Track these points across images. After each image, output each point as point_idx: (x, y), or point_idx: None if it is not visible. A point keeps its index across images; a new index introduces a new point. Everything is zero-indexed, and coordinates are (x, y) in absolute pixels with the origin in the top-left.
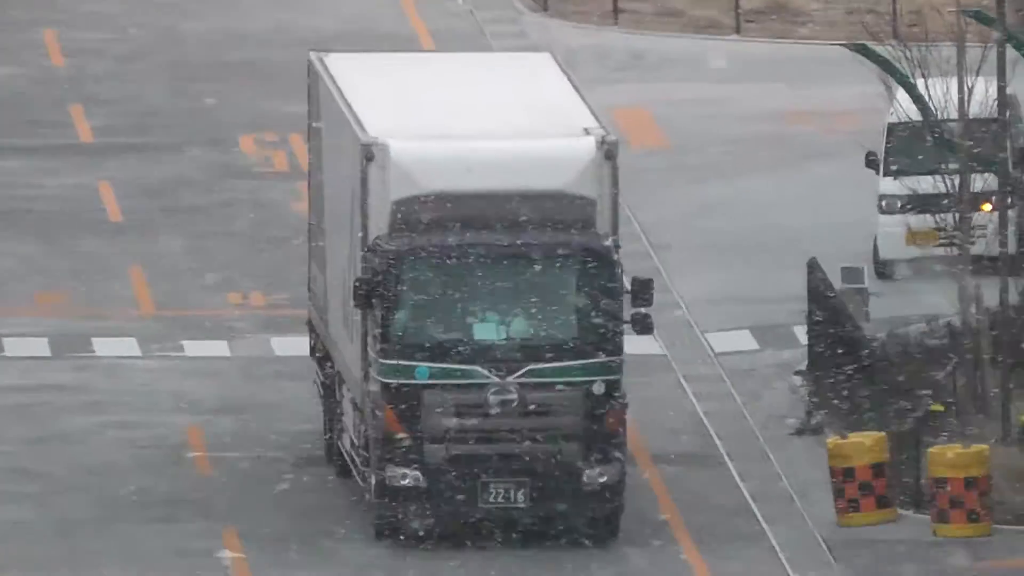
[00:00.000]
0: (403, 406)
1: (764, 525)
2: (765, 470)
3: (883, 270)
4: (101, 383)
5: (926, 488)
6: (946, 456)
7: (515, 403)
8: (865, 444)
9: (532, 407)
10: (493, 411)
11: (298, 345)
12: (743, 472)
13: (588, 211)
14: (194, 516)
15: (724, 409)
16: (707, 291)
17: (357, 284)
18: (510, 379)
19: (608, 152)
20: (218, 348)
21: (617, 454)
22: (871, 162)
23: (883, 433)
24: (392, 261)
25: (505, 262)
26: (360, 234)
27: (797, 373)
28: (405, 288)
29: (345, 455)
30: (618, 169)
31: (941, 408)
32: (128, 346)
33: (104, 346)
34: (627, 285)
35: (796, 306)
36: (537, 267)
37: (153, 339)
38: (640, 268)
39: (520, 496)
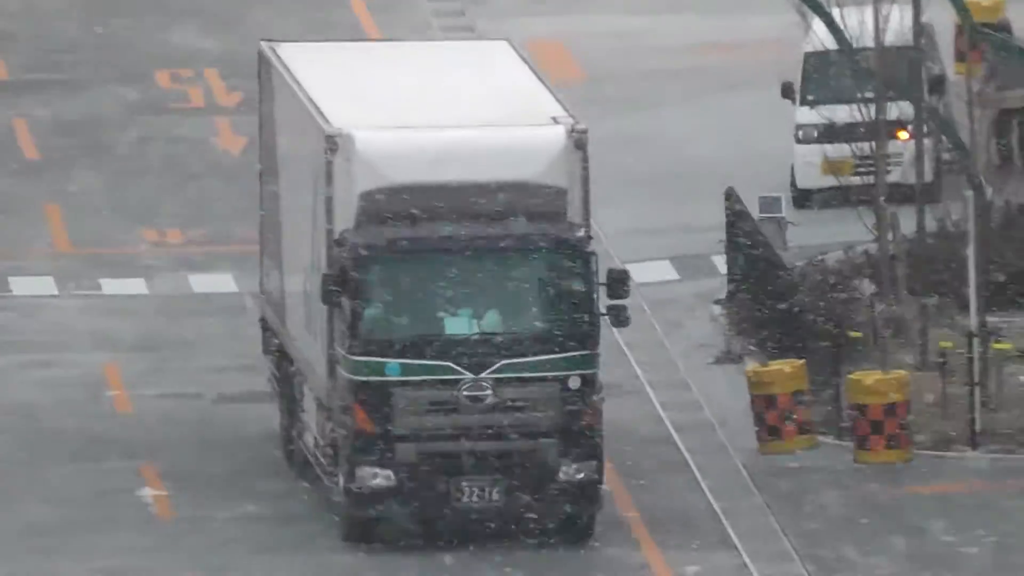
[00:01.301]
0: (373, 403)
1: (686, 454)
2: (686, 399)
3: (800, 199)
4: (18, 322)
5: (846, 415)
6: (865, 383)
7: (488, 399)
8: (785, 372)
9: (506, 403)
10: (466, 408)
11: (216, 282)
12: (664, 402)
13: (559, 201)
14: (114, 455)
15: (645, 339)
16: (626, 223)
17: (324, 279)
18: (483, 375)
19: (578, 141)
20: (135, 286)
21: (594, 450)
22: (787, 92)
23: (802, 361)
24: (360, 255)
25: (476, 255)
26: (326, 228)
27: (717, 302)
28: (374, 283)
29: (308, 455)
30: (588, 158)
31: (860, 335)
32: (45, 285)
33: (21, 285)
34: (602, 276)
35: (715, 236)
36: (509, 260)
37: (70, 277)
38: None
39: (495, 494)
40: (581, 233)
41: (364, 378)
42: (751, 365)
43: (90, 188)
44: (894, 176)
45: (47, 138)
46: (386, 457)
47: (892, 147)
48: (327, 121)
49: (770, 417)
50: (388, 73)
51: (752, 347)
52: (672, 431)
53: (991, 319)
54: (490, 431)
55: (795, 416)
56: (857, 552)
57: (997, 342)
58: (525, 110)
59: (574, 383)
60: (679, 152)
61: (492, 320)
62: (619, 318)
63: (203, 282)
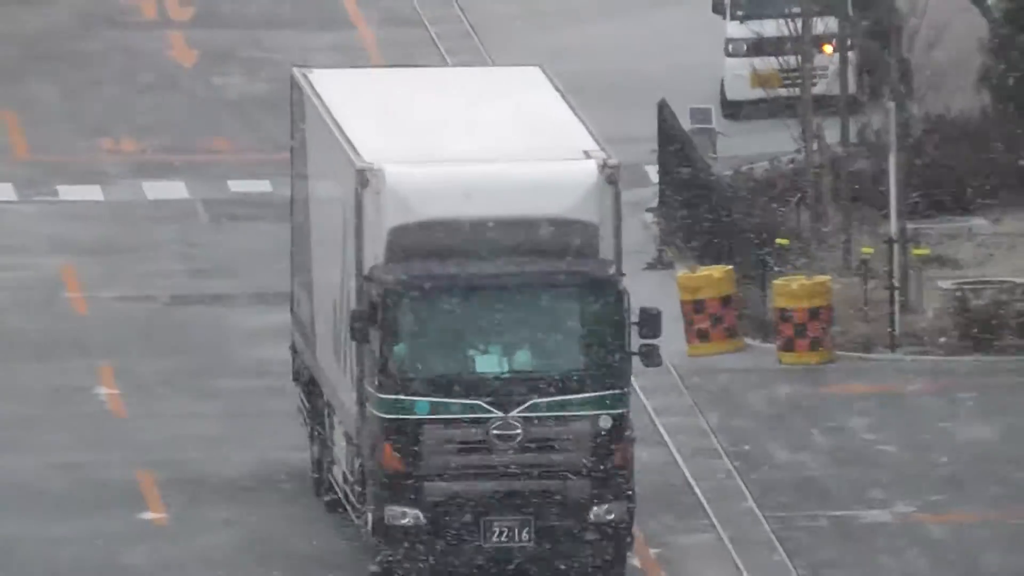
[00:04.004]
0: (402, 442)
1: None
2: None
3: (729, 111)
4: None
5: (771, 318)
6: (790, 287)
7: (518, 438)
8: (714, 277)
9: (536, 442)
10: (495, 447)
11: (169, 189)
12: None
13: (591, 238)
14: (70, 354)
15: None
16: None
17: (353, 316)
18: (513, 413)
19: (610, 176)
20: (91, 192)
21: (625, 491)
22: (718, 7)
23: (731, 266)
24: (389, 292)
25: (507, 292)
26: (355, 262)
27: (649, 210)
28: (403, 319)
29: (337, 488)
30: (620, 193)
31: (786, 242)
32: (4, 191)
33: None
34: (634, 315)
35: (647, 146)
36: (540, 297)
37: (28, 184)
38: None
39: (524, 535)
40: (613, 271)
41: (393, 416)
42: (681, 271)
43: (47, 98)
44: (819, 88)
45: (4, 48)
46: (415, 496)
47: (818, 60)
48: (358, 154)
49: (699, 321)
50: (419, 102)
51: (682, 253)
52: None
53: (911, 226)
54: (520, 470)
55: (723, 319)
56: (782, 449)
57: (916, 248)
58: (556, 143)
59: (605, 423)
60: (613, 64)
61: (522, 358)
62: (651, 358)
63: (156, 189)
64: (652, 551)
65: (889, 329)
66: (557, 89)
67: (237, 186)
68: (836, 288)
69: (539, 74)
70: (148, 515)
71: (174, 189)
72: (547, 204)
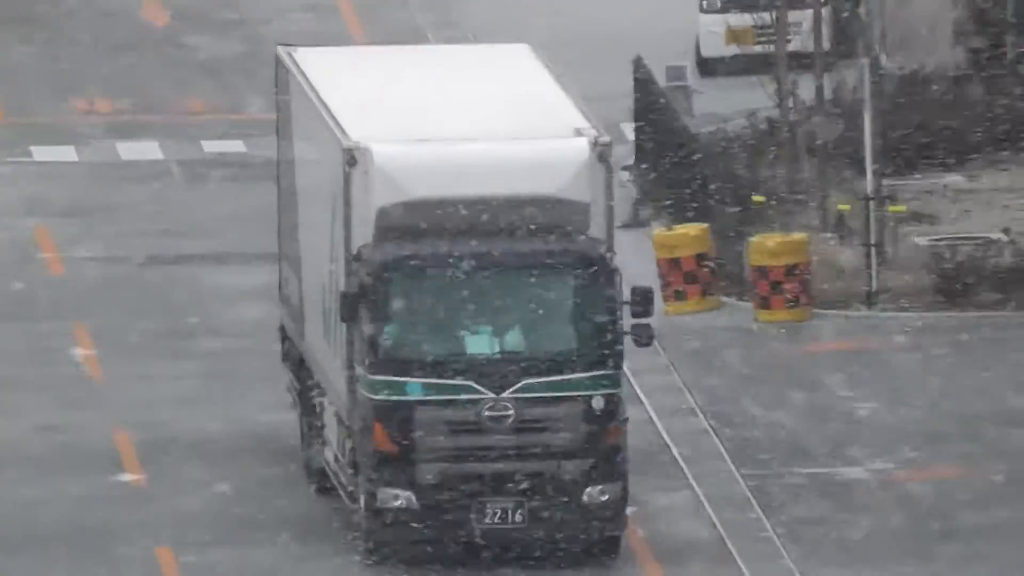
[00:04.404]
0: (393, 424)
1: None
2: None
3: (704, 68)
4: None
5: (748, 276)
6: (766, 245)
7: (511, 419)
8: (690, 235)
9: (528, 423)
10: (487, 428)
11: (143, 150)
12: None
13: (582, 216)
14: (46, 315)
15: None
16: None
17: (343, 297)
18: (505, 394)
19: (601, 154)
20: (66, 153)
21: (619, 471)
22: None
23: (707, 224)
24: (378, 272)
25: (498, 272)
26: (343, 243)
27: (625, 168)
28: (393, 300)
29: (328, 470)
30: (612, 172)
31: (762, 199)
32: None
33: None
34: (626, 294)
35: (623, 103)
36: (531, 277)
37: (2, 145)
38: None
39: (518, 516)
40: (604, 249)
41: (384, 397)
42: (658, 229)
43: (21, 59)
44: (794, 45)
45: None
46: (407, 478)
47: (793, 17)
48: (345, 134)
49: (675, 279)
50: (406, 80)
51: (658, 211)
52: None
53: (887, 182)
54: (512, 452)
55: (699, 278)
56: (758, 407)
57: (893, 205)
58: (547, 121)
59: (597, 403)
60: (589, 21)
61: (514, 339)
62: (643, 337)
63: (130, 150)
64: (629, 509)
65: (866, 286)
66: (546, 67)
67: (211, 147)
68: (813, 245)
69: (528, 51)
70: (126, 476)
71: (148, 150)
72: (538, 183)
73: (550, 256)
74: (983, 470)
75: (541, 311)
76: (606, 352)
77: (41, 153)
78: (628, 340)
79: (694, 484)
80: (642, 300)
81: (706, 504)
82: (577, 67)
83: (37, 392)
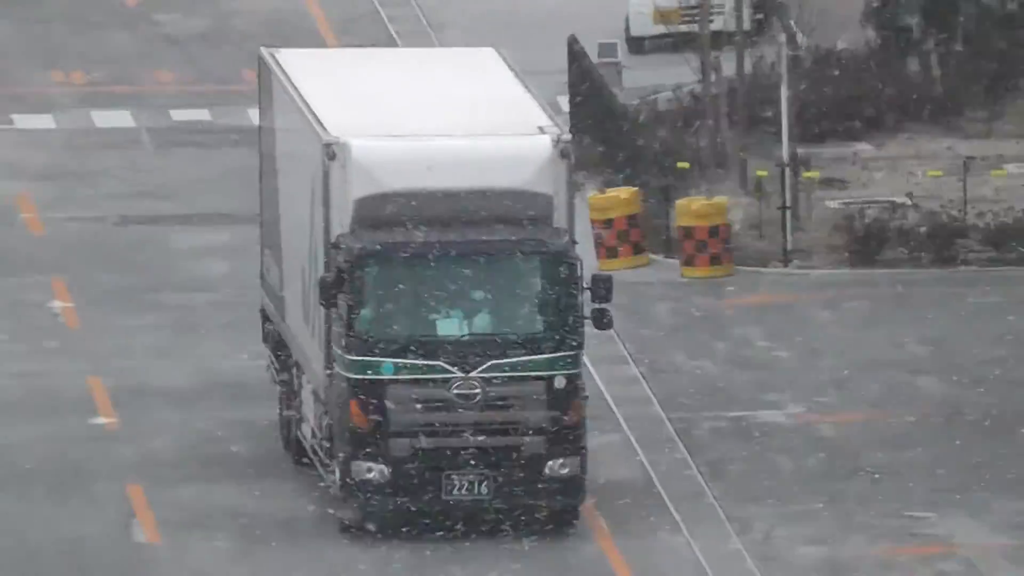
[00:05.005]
0: (368, 401)
1: None
2: None
3: (634, 45)
4: None
5: (674, 236)
6: (691, 207)
7: (478, 397)
8: (621, 198)
9: (494, 401)
10: (456, 405)
11: (116, 118)
12: None
13: (546, 208)
14: (27, 270)
15: None
16: None
17: (322, 282)
18: (473, 374)
19: (563, 150)
20: (44, 121)
21: (578, 446)
22: None
23: (636, 188)
24: (355, 259)
25: (466, 259)
26: (322, 231)
27: None
28: (369, 285)
29: (305, 443)
30: (573, 166)
31: (687, 165)
32: None
33: None
34: (586, 281)
35: (559, 78)
36: (498, 264)
37: None
38: (420, 46)
39: (484, 488)
40: (566, 239)
41: (359, 376)
42: (592, 192)
43: (2, 35)
44: (717, 24)
45: None
46: (380, 452)
47: None
48: (324, 129)
49: (608, 238)
50: (382, 80)
51: (592, 177)
52: None
53: (801, 150)
54: (479, 428)
55: (630, 237)
56: (684, 356)
57: (806, 171)
58: (513, 119)
59: (559, 383)
60: (525, 4)
61: (481, 322)
62: (602, 321)
63: (104, 118)
64: None
65: (782, 245)
66: (511, 68)
67: (179, 115)
68: (733, 207)
69: (494, 54)
70: (100, 419)
71: (120, 118)
72: (504, 176)
73: (516, 245)
74: (889, 414)
75: (507, 296)
76: (568, 335)
77: (22, 121)
78: (588, 323)
79: (625, 427)
80: (601, 287)
81: (636, 445)
82: (514, 43)
83: (17, 341)
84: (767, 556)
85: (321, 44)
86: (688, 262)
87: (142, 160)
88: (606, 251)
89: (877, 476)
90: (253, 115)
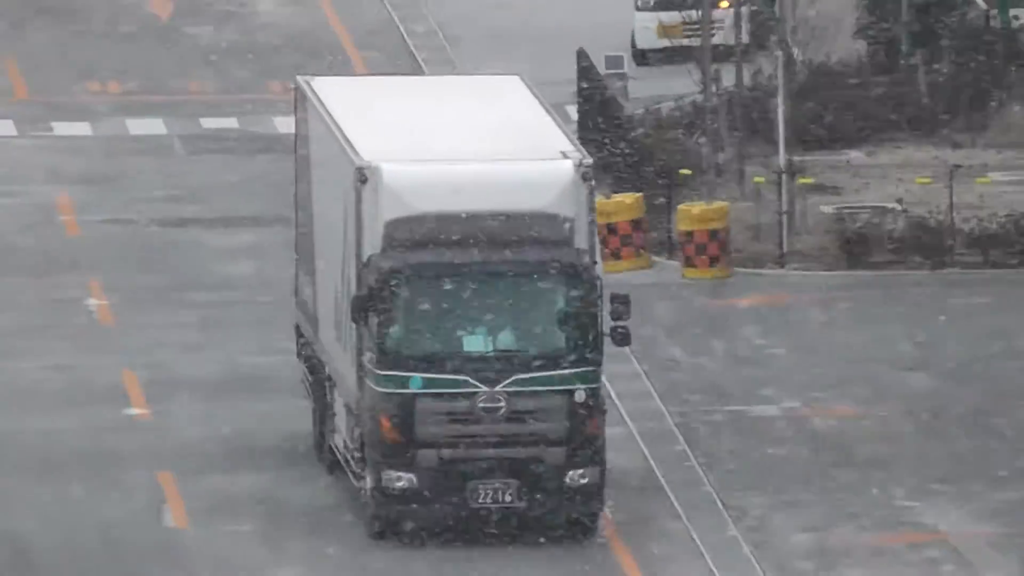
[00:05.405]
0: (397, 414)
1: None
2: None
3: (639, 58)
4: None
5: (676, 239)
6: (692, 212)
7: (502, 410)
8: (626, 203)
9: (518, 414)
10: (481, 418)
11: (149, 126)
12: None
13: (567, 230)
14: (64, 270)
15: None
16: None
17: (354, 300)
18: (497, 388)
19: (585, 174)
20: (82, 128)
21: (597, 456)
22: None
23: (640, 194)
24: (386, 278)
25: (492, 279)
26: (355, 251)
27: None
28: (398, 304)
29: (337, 453)
30: (594, 189)
31: (688, 172)
32: (6, 127)
33: None
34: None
35: (568, 88)
36: (522, 283)
37: (27, 121)
38: (436, 59)
39: (507, 497)
40: (587, 259)
41: (389, 390)
42: (597, 197)
43: (43, 46)
44: (717, 39)
45: (5, 2)
46: (409, 462)
47: (716, 14)
48: (357, 154)
49: (612, 241)
50: (411, 107)
51: (597, 182)
52: None
53: (797, 158)
54: (503, 439)
55: (633, 240)
56: (684, 353)
57: (802, 177)
58: (536, 144)
59: (579, 396)
60: (537, 16)
61: (506, 338)
62: (621, 338)
63: (138, 126)
64: None
65: (778, 248)
66: (535, 95)
67: (208, 123)
68: (732, 212)
69: (519, 82)
70: (133, 411)
71: (153, 126)
72: (529, 199)
73: (539, 265)
74: (878, 409)
75: (530, 314)
76: (588, 351)
77: (61, 128)
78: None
79: (628, 420)
80: (620, 305)
81: (638, 438)
82: (525, 56)
83: (55, 337)
84: (762, 543)
85: (343, 56)
86: (688, 264)
87: (174, 166)
88: (610, 253)
89: (865, 467)
90: (278, 123)
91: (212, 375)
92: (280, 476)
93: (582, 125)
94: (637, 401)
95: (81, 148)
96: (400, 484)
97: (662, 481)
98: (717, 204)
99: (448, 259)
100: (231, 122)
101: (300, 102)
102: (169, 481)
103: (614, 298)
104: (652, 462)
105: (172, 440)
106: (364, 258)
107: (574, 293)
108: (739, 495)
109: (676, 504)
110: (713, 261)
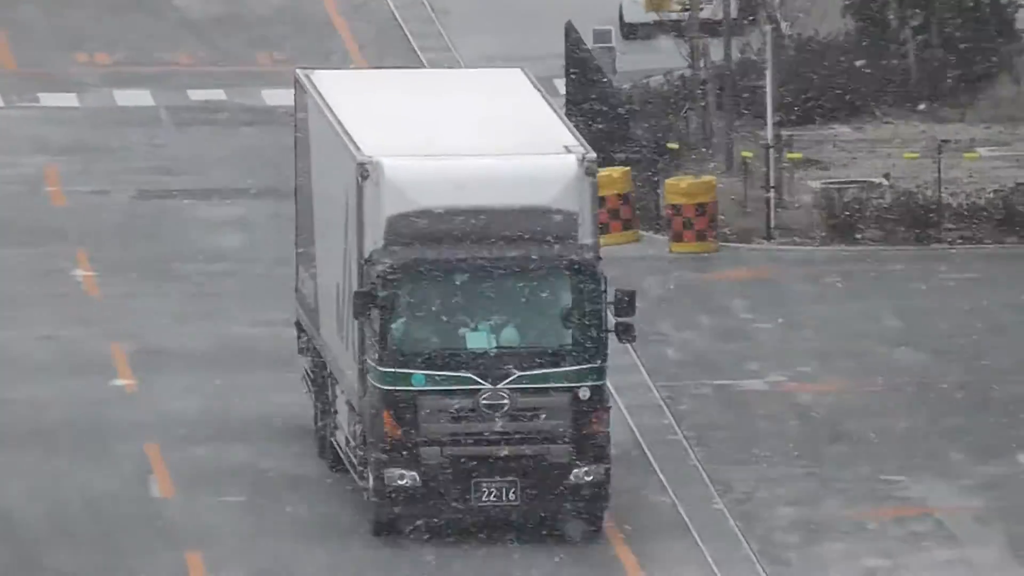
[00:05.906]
0: (400, 411)
1: None
2: None
3: (627, 32)
4: None
5: (664, 213)
6: (680, 186)
7: (505, 408)
8: (613, 176)
9: (521, 411)
10: (484, 415)
11: (136, 97)
12: None
13: (571, 225)
14: (51, 241)
15: None
16: (482, 50)
17: (355, 296)
18: (500, 385)
19: (588, 169)
20: (69, 100)
21: (602, 454)
22: None
23: (628, 168)
24: (388, 274)
25: (495, 274)
26: (356, 247)
27: None
28: (401, 300)
29: (339, 450)
30: (597, 184)
31: (676, 146)
32: None
33: None
34: (610, 295)
35: (556, 62)
36: (525, 279)
37: (13, 92)
38: (424, 31)
39: (511, 495)
40: (591, 255)
41: (392, 387)
42: None
43: (31, 19)
44: (706, 12)
45: None
46: (412, 460)
47: None
48: (358, 149)
49: (600, 215)
50: (414, 100)
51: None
52: None
53: (785, 132)
54: (507, 437)
55: (621, 214)
56: (671, 327)
57: (789, 152)
58: (540, 139)
59: (584, 393)
60: None
61: (509, 335)
62: (625, 334)
63: (125, 97)
64: None
65: (765, 223)
66: (538, 89)
67: (196, 95)
68: (720, 186)
69: (521, 75)
70: (119, 381)
71: (141, 97)
72: (532, 195)
73: (542, 260)
74: (864, 383)
75: (533, 310)
76: (592, 348)
77: (48, 99)
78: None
79: (615, 394)
80: (625, 301)
81: (624, 411)
82: (513, 28)
83: (42, 307)
84: (747, 516)
85: (329, 27)
86: (676, 238)
87: (161, 137)
88: (599, 227)
89: (852, 441)
90: (266, 95)
91: (199, 346)
92: (265, 447)
93: (570, 98)
94: (624, 375)
95: (67, 119)
96: (402, 482)
97: (648, 454)
98: (705, 178)
99: (451, 255)
100: (219, 94)
101: (299, 96)
102: (155, 452)
103: (618, 294)
104: (639, 435)
105: (158, 411)
106: (366, 254)
107: (578, 289)
108: (725, 469)
109: (662, 478)
110: (700, 235)
